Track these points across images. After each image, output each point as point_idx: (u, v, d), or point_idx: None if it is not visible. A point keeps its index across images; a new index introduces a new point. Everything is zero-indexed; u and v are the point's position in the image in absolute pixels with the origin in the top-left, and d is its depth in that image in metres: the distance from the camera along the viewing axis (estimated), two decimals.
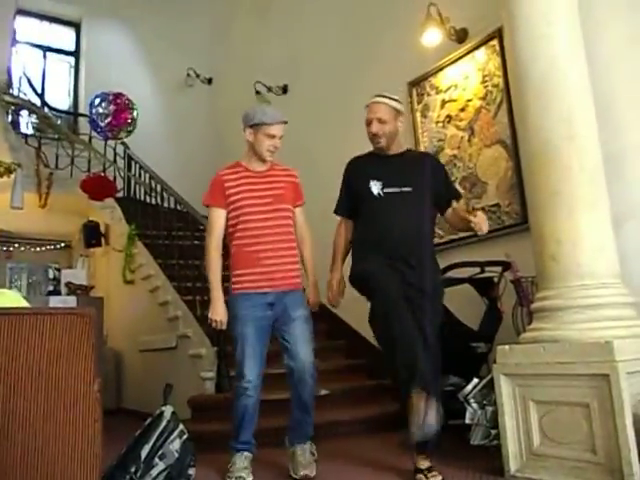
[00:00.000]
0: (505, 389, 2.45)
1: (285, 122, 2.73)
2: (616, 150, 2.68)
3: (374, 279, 2.54)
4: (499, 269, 3.26)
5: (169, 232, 5.24)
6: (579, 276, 2.39)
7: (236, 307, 2.68)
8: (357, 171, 2.84)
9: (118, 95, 5.75)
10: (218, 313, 2.69)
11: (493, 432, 2.59)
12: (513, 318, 3.19)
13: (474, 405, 2.68)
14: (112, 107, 5.54)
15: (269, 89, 6.32)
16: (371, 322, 2.58)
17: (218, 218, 2.76)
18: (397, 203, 2.66)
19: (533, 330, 2.51)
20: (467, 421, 2.70)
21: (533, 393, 2.37)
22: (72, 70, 7.80)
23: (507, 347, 2.50)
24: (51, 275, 7.91)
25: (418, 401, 2.26)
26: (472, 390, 2.72)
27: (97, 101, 5.71)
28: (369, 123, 2.72)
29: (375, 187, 2.69)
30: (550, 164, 2.51)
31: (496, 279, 3.26)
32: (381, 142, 2.72)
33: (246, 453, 2.66)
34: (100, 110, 5.63)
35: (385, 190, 2.68)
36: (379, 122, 2.68)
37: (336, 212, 2.91)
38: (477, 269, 3.27)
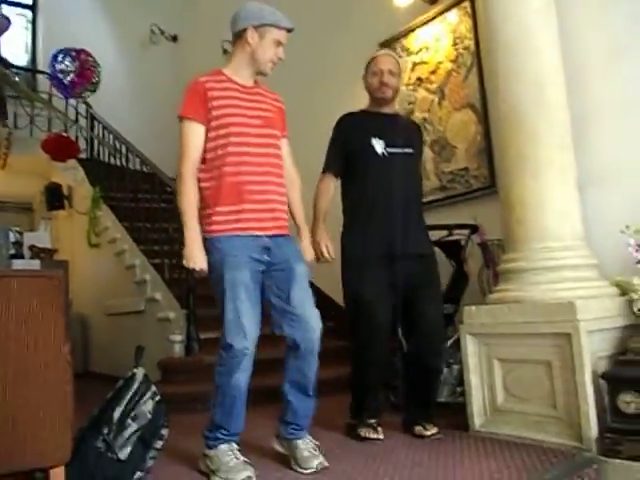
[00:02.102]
0: (471, 348, 2.53)
1: (292, 30, 2.24)
2: (582, 115, 2.71)
3: (367, 309, 2.46)
4: (467, 232, 3.31)
5: (135, 194, 5.15)
6: (544, 239, 2.45)
7: (222, 250, 2.08)
8: (354, 127, 2.68)
9: (81, 51, 5.54)
10: (196, 258, 2.06)
11: (459, 389, 2.68)
12: (479, 280, 3.26)
13: None
14: (76, 64, 5.33)
15: None
16: (351, 324, 2.57)
17: (196, 135, 2.14)
18: (400, 164, 2.58)
19: (499, 291, 2.58)
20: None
21: (498, 352, 2.45)
22: (29, 25, 7.45)
23: (473, 308, 2.57)
24: (12, 238, 7.70)
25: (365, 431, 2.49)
26: None
27: (60, 57, 5.49)
28: (380, 73, 2.62)
29: (378, 145, 2.57)
30: (518, 128, 2.54)
31: (463, 242, 3.31)
32: (388, 93, 2.64)
33: (234, 444, 2.09)
34: (63, 67, 5.42)
35: (388, 149, 2.58)
36: (390, 74, 2.63)
37: (326, 170, 2.69)
38: (445, 232, 3.31)
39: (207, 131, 2.15)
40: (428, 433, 2.45)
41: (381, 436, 2.47)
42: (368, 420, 2.52)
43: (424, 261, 2.57)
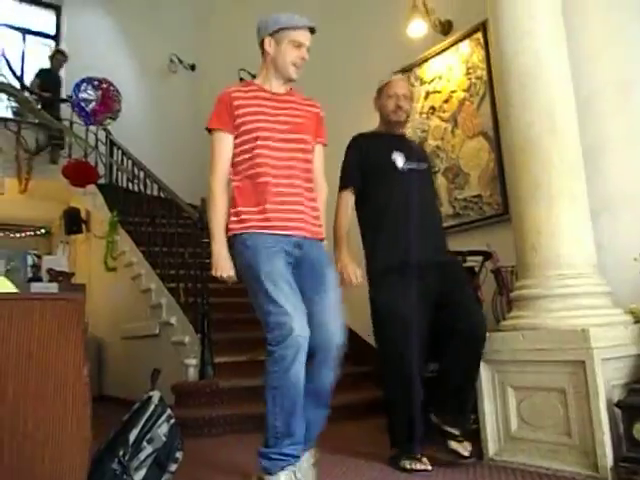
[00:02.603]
0: (485, 375, 2.52)
1: (314, 30, 2.22)
2: (593, 144, 2.74)
3: (403, 321, 2.39)
4: (480, 259, 3.32)
5: (152, 219, 5.23)
6: (557, 266, 2.46)
7: (252, 246, 2.04)
8: (372, 144, 2.73)
9: (103, 80, 5.70)
10: (223, 268, 2.07)
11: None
12: (493, 307, 3.25)
13: None
14: (99, 92, 5.48)
15: (253, 77, 6.28)
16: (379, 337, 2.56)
17: (225, 146, 2.18)
18: (418, 178, 2.65)
19: (512, 318, 2.57)
20: None
21: (511, 379, 2.44)
22: None
23: (487, 334, 2.57)
24: (30, 262, 7.82)
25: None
26: None
27: (83, 86, 5.65)
28: (395, 97, 2.69)
29: (399, 160, 2.63)
30: (531, 157, 2.56)
31: (477, 269, 3.32)
32: (403, 117, 2.73)
33: (292, 467, 1.94)
34: (86, 95, 5.57)
35: (407, 164, 2.64)
36: (405, 98, 2.71)
37: (347, 185, 2.67)
38: (459, 259, 3.33)
39: (235, 137, 2.18)
40: (465, 453, 2.39)
41: (429, 467, 2.37)
42: (413, 450, 2.42)
43: (452, 267, 2.65)
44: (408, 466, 2.39)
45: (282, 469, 1.92)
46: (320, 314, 2.02)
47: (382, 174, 2.63)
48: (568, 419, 2.22)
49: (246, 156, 2.16)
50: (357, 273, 2.48)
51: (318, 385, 2.05)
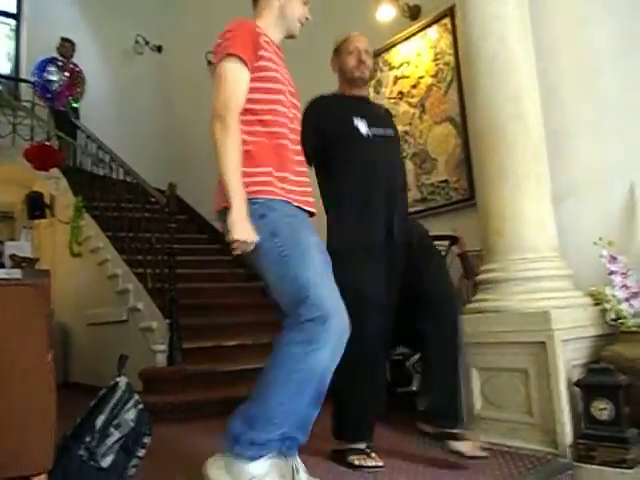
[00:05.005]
0: None
1: None
2: (558, 129, 2.79)
3: (369, 304, 2.15)
4: (447, 243, 3.37)
5: (118, 204, 5.14)
6: (521, 250, 2.51)
7: (282, 211, 1.76)
8: (331, 107, 2.42)
9: (68, 61, 5.53)
10: (248, 231, 1.67)
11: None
12: (459, 290, 3.31)
13: None
14: (65, 74, 5.32)
15: None
16: None
17: (244, 79, 1.77)
18: (384, 147, 2.39)
19: (477, 301, 2.63)
20: (414, 388, 2.82)
21: (476, 360, 2.50)
22: (13, 34, 7.44)
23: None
24: None
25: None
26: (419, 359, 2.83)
27: (48, 67, 5.47)
28: (357, 52, 2.45)
29: (362, 125, 2.35)
30: (497, 141, 2.60)
31: (443, 253, 3.36)
32: (366, 73, 2.47)
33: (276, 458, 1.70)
34: (51, 77, 5.39)
35: (372, 130, 2.36)
36: (366, 53, 2.47)
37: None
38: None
39: (250, 80, 1.80)
40: (469, 454, 2.08)
41: (380, 462, 2.14)
42: (359, 444, 2.21)
43: (422, 243, 2.40)
44: (357, 462, 2.14)
45: (262, 457, 1.66)
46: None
47: (345, 140, 2.34)
48: (529, 398, 2.29)
49: (265, 107, 1.81)
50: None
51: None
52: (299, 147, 1.94)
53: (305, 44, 5.05)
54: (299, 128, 1.96)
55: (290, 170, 1.83)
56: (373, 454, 2.18)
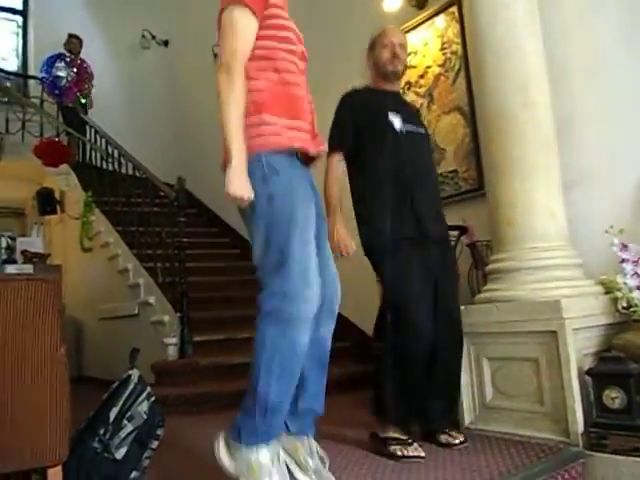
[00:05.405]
0: None
1: None
2: (567, 117, 2.77)
3: (411, 311, 2.19)
4: (456, 233, 3.36)
5: (128, 199, 5.17)
6: (531, 239, 2.50)
7: (285, 174, 1.70)
8: (366, 102, 2.42)
9: (76, 57, 5.54)
10: (243, 187, 1.63)
11: None
12: (469, 280, 3.31)
13: None
14: (74, 70, 5.33)
15: None
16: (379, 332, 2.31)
17: (249, 28, 1.73)
18: (417, 144, 2.40)
19: (487, 291, 2.62)
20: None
21: (486, 350, 2.50)
22: (20, 30, 7.47)
23: (462, 307, 2.60)
24: (4, 244, 7.68)
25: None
26: None
27: (57, 63, 5.48)
28: (391, 45, 2.45)
29: (397, 121, 2.34)
30: (506, 131, 2.58)
31: (453, 243, 3.36)
32: (400, 67, 2.48)
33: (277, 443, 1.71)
34: (60, 73, 5.41)
35: (405, 127, 2.37)
36: (401, 47, 2.48)
37: (335, 148, 2.35)
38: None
39: (260, 28, 1.75)
40: (456, 442, 2.26)
41: (422, 453, 2.14)
42: (402, 434, 2.22)
43: (446, 247, 2.47)
44: (399, 452, 2.15)
45: (265, 441, 1.65)
46: (324, 264, 1.78)
47: (378, 136, 2.34)
48: (541, 388, 2.28)
49: (278, 55, 1.76)
50: (353, 244, 2.29)
51: (325, 336, 1.82)
52: (309, 96, 1.89)
53: (320, 39, 5.06)
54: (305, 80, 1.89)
55: (300, 117, 1.78)
56: (415, 444, 2.19)
